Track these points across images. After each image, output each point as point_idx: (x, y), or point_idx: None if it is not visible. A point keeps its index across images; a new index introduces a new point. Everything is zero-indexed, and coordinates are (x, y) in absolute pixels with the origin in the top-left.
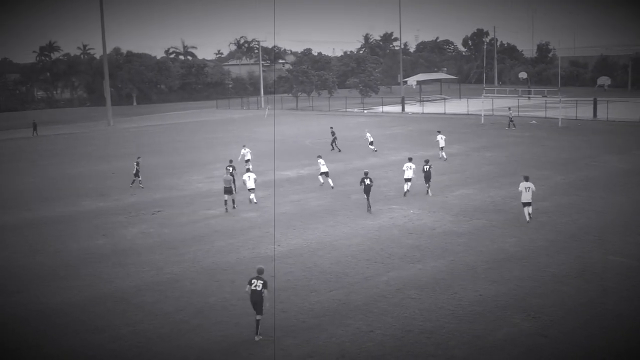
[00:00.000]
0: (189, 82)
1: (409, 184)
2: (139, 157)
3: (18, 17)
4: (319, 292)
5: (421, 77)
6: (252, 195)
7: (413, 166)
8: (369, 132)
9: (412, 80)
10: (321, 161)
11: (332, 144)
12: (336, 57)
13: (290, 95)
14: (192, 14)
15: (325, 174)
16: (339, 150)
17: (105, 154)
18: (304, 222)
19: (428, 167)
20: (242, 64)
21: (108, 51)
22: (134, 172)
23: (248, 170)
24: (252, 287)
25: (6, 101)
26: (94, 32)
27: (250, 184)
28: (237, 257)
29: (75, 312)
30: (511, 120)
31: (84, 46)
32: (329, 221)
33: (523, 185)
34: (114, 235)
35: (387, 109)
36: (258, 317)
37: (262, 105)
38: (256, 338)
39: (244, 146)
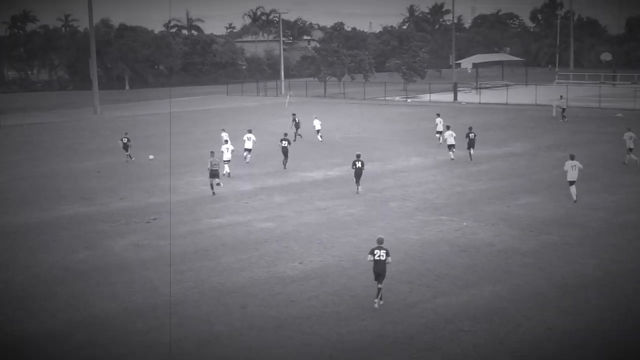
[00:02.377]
0: (194, 62)
1: (454, 150)
2: (126, 133)
3: None
4: (350, 321)
5: (478, 58)
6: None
7: (454, 134)
8: (317, 119)
9: (466, 63)
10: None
11: (295, 134)
12: (374, 33)
13: (316, 79)
14: None
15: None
16: (299, 138)
17: (90, 148)
18: (331, 235)
19: (473, 134)
20: (258, 41)
21: (95, 22)
22: (123, 146)
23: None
24: (376, 257)
25: None
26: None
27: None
28: (249, 276)
29: (47, 343)
30: (562, 111)
31: (66, 17)
32: (362, 234)
33: (569, 164)
34: (98, 248)
35: (435, 97)
36: (380, 285)
37: (283, 92)
38: (376, 305)
39: (222, 130)
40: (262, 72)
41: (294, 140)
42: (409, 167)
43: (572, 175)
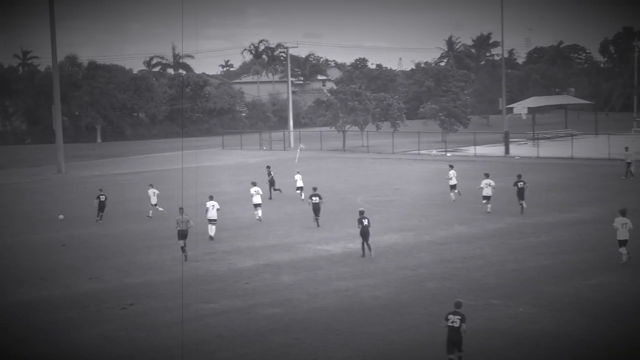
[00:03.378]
0: (181, 107)
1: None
2: (101, 190)
3: None
4: None
5: (535, 101)
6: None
7: (492, 183)
8: (299, 173)
9: (520, 107)
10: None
11: (270, 191)
12: (404, 71)
13: (334, 129)
14: (187, 4)
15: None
16: (276, 192)
17: (52, 216)
18: (352, 324)
19: (522, 183)
20: (261, 82)
21: (59, 60)
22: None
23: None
24: (449, 324)
25: None
26: (39, 32)
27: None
28: None
29: None
30: (628, 166)
31: (24, 53)
32: (391, 322)
33: (619, 221)
34: (60, 341)
35: (482, 150)
36: (460, 354)
37: (292, 144)
38: None
39: (150, 185)
40: (266, 120)
41: (269, 199)
42: (450, 237)
43: (623, 234)
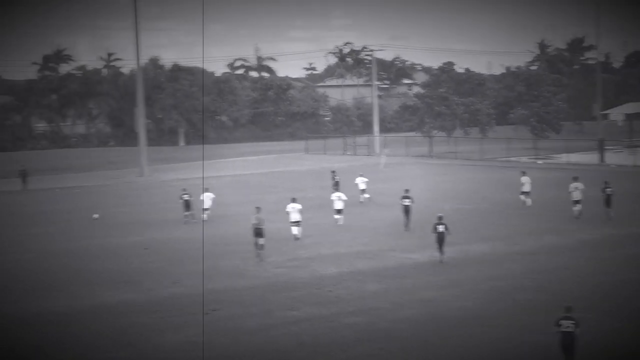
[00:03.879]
0: (265, 111)
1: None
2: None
3: (13, 13)
4: None
5: (633, 107)
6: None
7: (580, 186)
8: (362, 176)
9: (617, 113)
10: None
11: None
12: (493, 75)
13: (419, 134)
14: (269, 8)
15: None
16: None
17: (135, 219)
18: (438, 335)
19: (610, 189)
20: (345, 86)
21: (143, 62)
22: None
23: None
24: (562, 329)
25: None
26: (123, 35)
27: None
28: None
29: None
30: None
31: (108, 55)
32: (478, 334)
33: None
34: (144, 345)
35: (575, 157)
36: None
37: (377, 150)
38: None
39: (206, 189)
40: (351, 124)
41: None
42: (541, 247)
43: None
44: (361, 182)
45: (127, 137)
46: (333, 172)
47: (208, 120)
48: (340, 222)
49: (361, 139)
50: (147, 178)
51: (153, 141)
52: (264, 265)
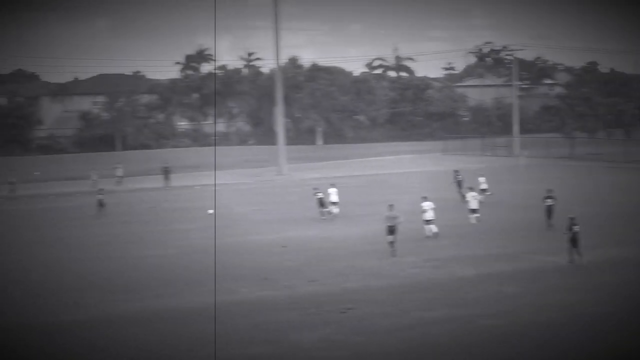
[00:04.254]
0: (402, 111)
1: None
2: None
3: (157, 15)
4: None
5: None
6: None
7: None
8: (483, 176)
9: None
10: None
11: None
12: (639, 75)
13: (560, 135)
14: (408, 7)
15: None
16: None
17: (273, 217)
18: (577, 340)
19: None
20: (485, 86)
21: (282, 62)
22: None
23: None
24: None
25: (136, 134)
26: (262, 34)
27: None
28: None
29: None
30: None
31: (248, 55)
32: (619, 340)
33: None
34: (281, 342)
35: None
36: None
37: (516, 151)
38: None
39: (332, 185)
40: (490, 125)
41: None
42: None
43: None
44: (483, 181)
45: (266, 135)
46: (456, 171)
47: (346, 120)
48: (473, 221)
49: (500, 140)
50: (285, 176)
51: (291, 140)
52: (401, 265)
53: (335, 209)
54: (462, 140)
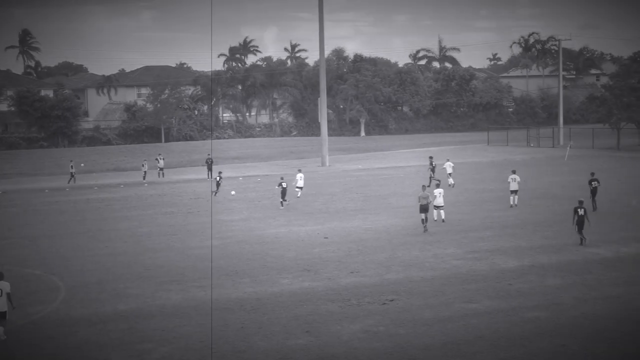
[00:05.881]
0: (447, 102)
1: None
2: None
3: (203, 5)
4: None
5: None
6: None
7: None
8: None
9: None
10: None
11: (430, 178)
12: None
13: (606, 126)
14: None
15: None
16: (437, 183)
17: (315, 208)
18: (624, 333)
19: None
20: (530, 76)
21: (327, 54)
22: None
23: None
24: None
25: (181, 126)
26: (307, 26)
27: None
28: None
29: None
30: None
31: (293, 47)
32: None
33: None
34: (323, 333)
35: None
36: None
37: (561, 141)
38: None
39: (299, 170)
40: (535, 116)
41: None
42: None
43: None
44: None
45: (310, 127)
46: (431, 157)
47: (389, 111)
48: (512, 203)
49: (545, 131)
50: (328, 168)
51: (334, 131)
52: (443, 257)
53: (299, 193)
54: (506, 131)
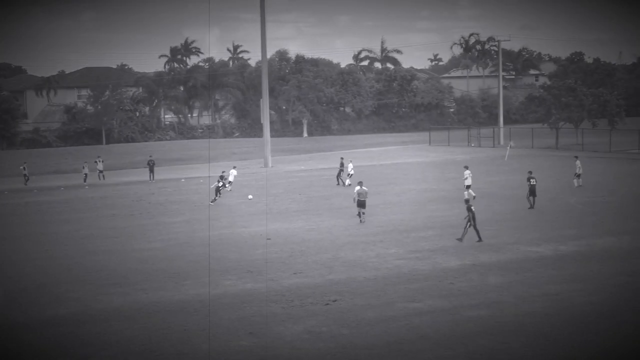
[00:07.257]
0: (389, 102)
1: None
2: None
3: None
4: None
5: None
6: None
7: None
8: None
9: None
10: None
11: (338, 177)
12: (624, 65)
13: (545, 126)
14: None
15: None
16: (344, 185)
17: (258, 209)
18: (563, 330)
19: None
20: (470, 77)
21: (270, 55)
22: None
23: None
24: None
25: (122, 128)
26: (249, 27)
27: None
28: None
29: None
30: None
31: (235, 47)
32: (606, 330)
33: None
34: (265, 335)
35: None
36: None
37: (501, 141)
38: None
39: (234, 167)
40: (475, 116)
41: (337, 184)
42: None
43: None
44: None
45: (252, 128)
46: (342, 158)
47: (332, 112)
48: (466, 196)
49: (486, 131)
50: (271, 169)
51: (277, 132)
52: (386, 257)
53: (229, 187)
54: (447, 132)
